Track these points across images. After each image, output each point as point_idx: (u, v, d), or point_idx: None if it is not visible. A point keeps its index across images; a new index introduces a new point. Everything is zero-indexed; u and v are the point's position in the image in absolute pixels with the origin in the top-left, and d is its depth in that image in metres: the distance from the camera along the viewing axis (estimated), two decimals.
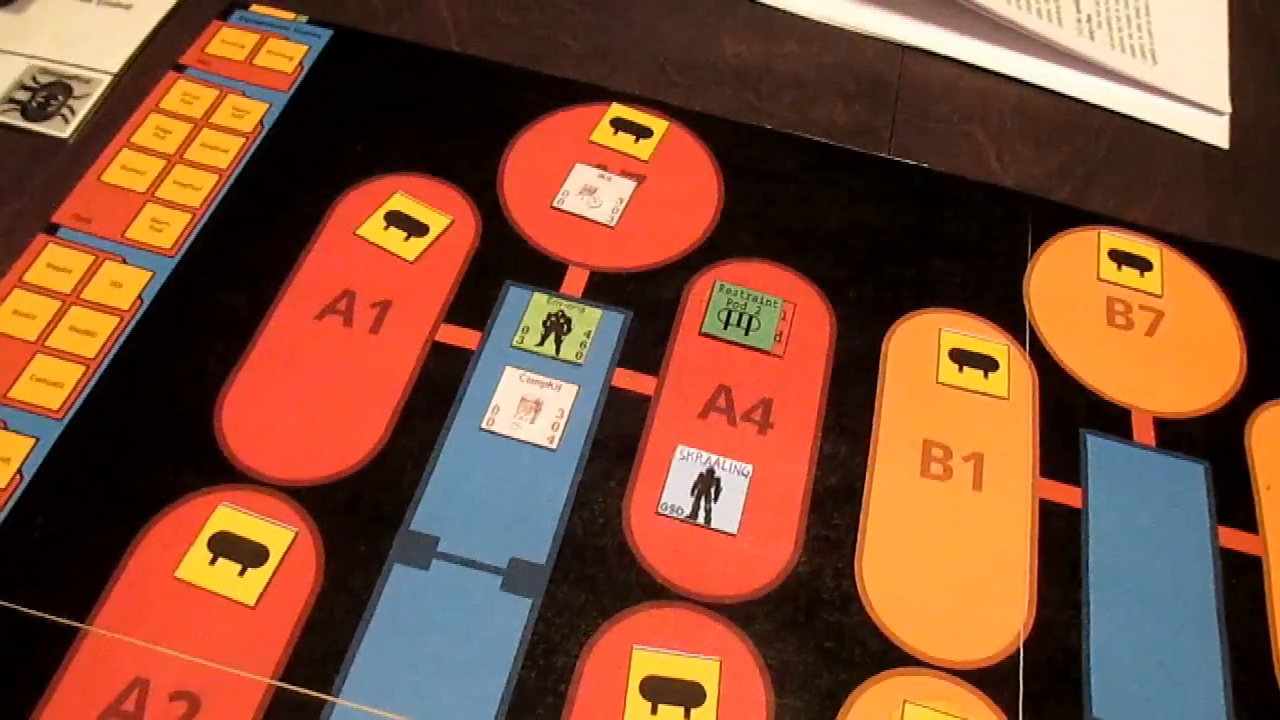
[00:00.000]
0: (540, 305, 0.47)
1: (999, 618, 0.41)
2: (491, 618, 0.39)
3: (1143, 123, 0.59)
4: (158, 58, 0.54)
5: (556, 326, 0.46)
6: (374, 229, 0.48)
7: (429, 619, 0.39)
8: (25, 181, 0.49)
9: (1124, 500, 0.44)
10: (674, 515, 0.42)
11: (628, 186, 0.51)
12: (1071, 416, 0.46)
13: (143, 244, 0.47)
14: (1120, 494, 0.44)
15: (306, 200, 0.49)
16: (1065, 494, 0.44)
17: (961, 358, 0.48)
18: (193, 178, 0.49)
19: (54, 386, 0.43)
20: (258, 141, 0.51)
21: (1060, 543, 0.43)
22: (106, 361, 0.43)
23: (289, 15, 0.57)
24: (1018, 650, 0.40)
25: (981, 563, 0.42)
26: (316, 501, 0.41)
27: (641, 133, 0.54)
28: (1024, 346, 0.48)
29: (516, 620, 0.39)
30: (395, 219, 0.49)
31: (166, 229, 0.47)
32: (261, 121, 0.52)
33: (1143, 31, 0.62)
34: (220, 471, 0.41)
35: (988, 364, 0.48)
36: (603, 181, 0.52)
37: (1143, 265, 0.52)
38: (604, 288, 0.48)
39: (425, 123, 0.53)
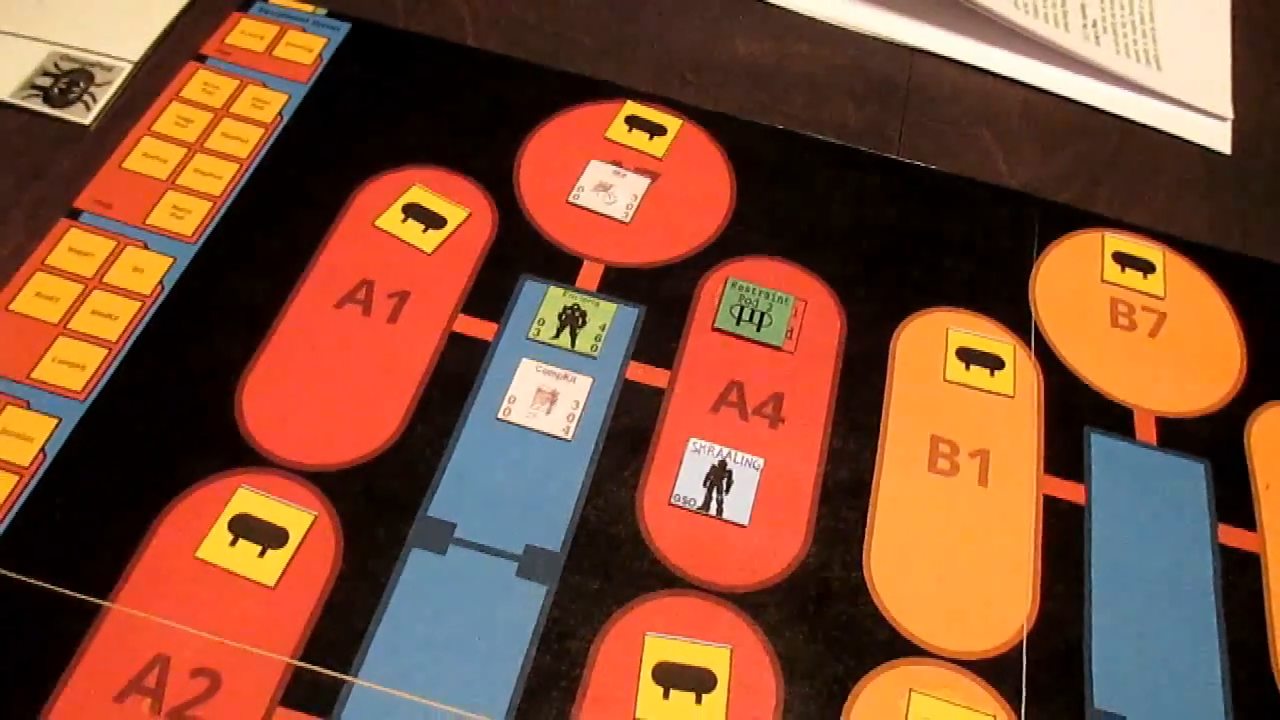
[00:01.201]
0: (556, 298, 0.47)
1: (1003, 610, 0.42)
2: (507, 603, 0.40)
3: (1147, 127, 0.60)
4: (178, 47, 0.55)
5: (571, 320, 0.47)
6: (392, 220, 0.49)
7: (446, 603, 0.39)
8: (48, 166, 0.49)
9: (1126, 497, 0.45)
10: (686, 506, 0.43)
11: (642, 183, 0.52)
12: (1075, 415, 0.47)
13: (164, 230, 0.47)
14: (1123, 491, 0.45)
15: (325, 191, 0.50)
16: (1069, 490, 0.45)
17: (968, 356, 0.48)
18: (213, 166, 0.50)
19: (76, 368, 0.43)
20: (277, 132, 0.52)
21: (1063, 538, 0.44)
22: (128, 345, 0.44)
23: (308, 7, 0.57)
24: (1021, 642, 0.41)
25: (986, 556, 0.43)
26: (336, 486, 0.41)
27: (655, 130, 0.54)
28: (1029, 346, 0.49)
29: (532, 606, 0.40)
30: (413, 211, 0.50)
31: (187, 216, 0.48)
32: (281, 112, 0.52)
33: (1147, 38, 0.63)
34: (240, 455, 0.42)
35: (994, 362, 0.48)
36: (617, 178, 0.52)
37: (1146, 267, 0.53)
38: (618, 282, 0.49)
39: (442, 116, 0.53)
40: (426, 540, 0.41)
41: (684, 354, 0.47)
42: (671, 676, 0.39)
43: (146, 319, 0.45)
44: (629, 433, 0.44)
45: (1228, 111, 0.61)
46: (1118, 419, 0.47)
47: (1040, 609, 0.42)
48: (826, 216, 0.52)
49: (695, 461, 0.44)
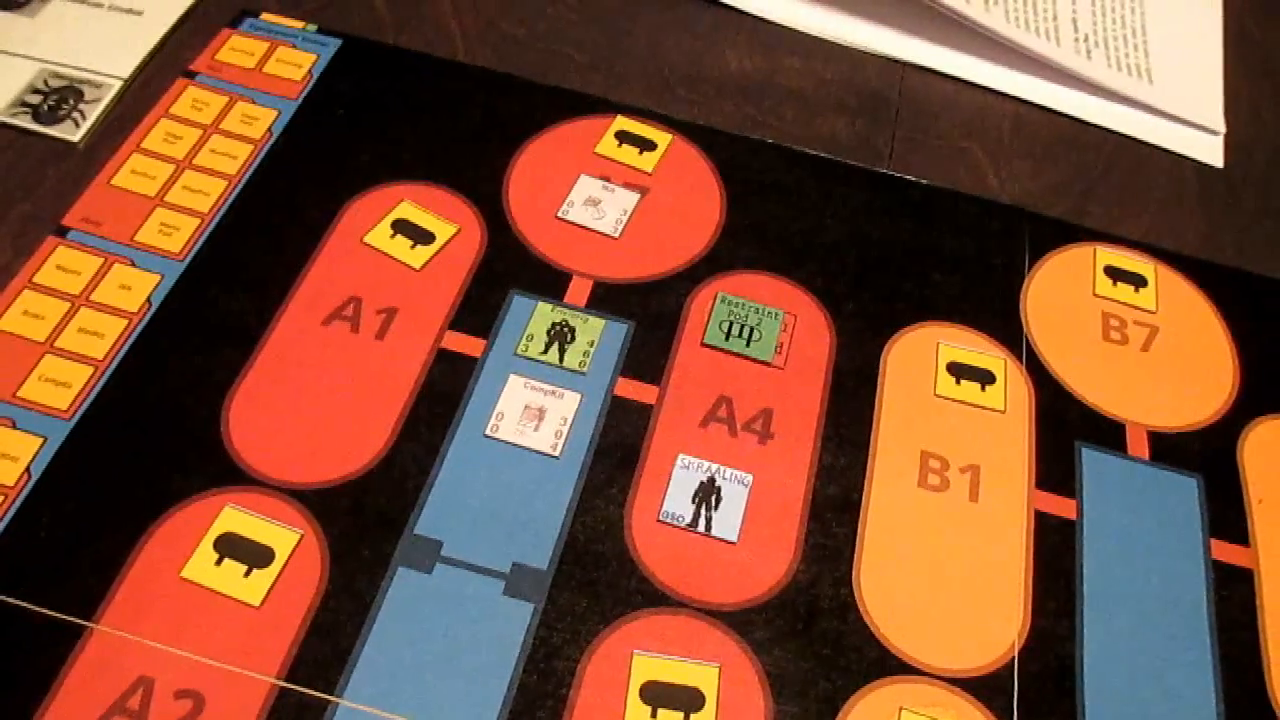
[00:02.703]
0: (544, 314, 0.47)
1: (994, 627, 0.42)
2: (493, 622, 0.39)
3: (1139, 141, 0.60)
4: (168, 64, 0.55)
5: (560, 335, 0.47)
6: (381, 236, 0.49)
7: (432, 622, 0.39)
8: (36, 184, 0.49)
9: (1118, 512, 0.45)
10: (675, 523, 0.42)
11: (631, 198, 0.52)
12: (1067, 429, 0.47)
13: (151, 247, 0.47)
14: (1114, 506, 0.45)
15: (314, 207, 0.50)
16: (1060, 506, 0.45)
17: (959, 370, 0.48)
18: (202, 183, 0.50)
19: (62, 387, 0.43)
20: (266, 148, 0.52)
21: (1055, 554, 0.44)
22: (114, 363, 0.44)
23: (298, 24, 0.57)
24: (1012, 659, 0.41)
25: (977, 573, 0.43)
26: (322, 504, 0.41)
27: (645, 145, 0.54)
28: (1020, 360, 0.49)
29: (518, 624, 0.40)
30: (402, 227, 0.49)
31: (175, 233, 0.48)
32: (270, 129, 0.52)
33: (1139, 51, 0.63)
34: (226, 473, 0.42)
35: (985, 377, 0.48)
36: (606, 193, 0.52)
37: (1138, 281, 0.53)
38: (607, 298, 0.48)
39: (432, 132, 0.53)
40: (413, 559, 0.40)
41: (673, 370, 0.47)
42: (659, 695, 0.39)
43: (133, 337, 0.45)
44: (617, 449, 0.44)
45: (1220, 125, 0.61)
46: (1109, 433, 0.47)
47: (1031, 626, 0.42)
48: (817, 231, 0.52)
49: (684, 478, 0.43)
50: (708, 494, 0.43)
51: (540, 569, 0.41)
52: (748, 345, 0.48)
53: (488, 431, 0.44)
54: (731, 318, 0.48)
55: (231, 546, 0.40)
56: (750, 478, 0.44)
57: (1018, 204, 0.55)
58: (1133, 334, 0.51)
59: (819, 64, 0.61)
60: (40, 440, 0.42)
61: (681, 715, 0.38)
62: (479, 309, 0.47)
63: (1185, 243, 0.55)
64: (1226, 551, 0.44)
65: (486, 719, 0.37)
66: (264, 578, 0.39)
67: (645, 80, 0.58)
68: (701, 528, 0.42)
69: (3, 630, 0.37)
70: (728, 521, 0.43)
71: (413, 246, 0.49)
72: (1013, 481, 0.45)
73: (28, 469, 0.41)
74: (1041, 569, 0.43)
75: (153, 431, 0.42)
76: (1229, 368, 0.50)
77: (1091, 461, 0.46)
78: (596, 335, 0.47)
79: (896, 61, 0.61)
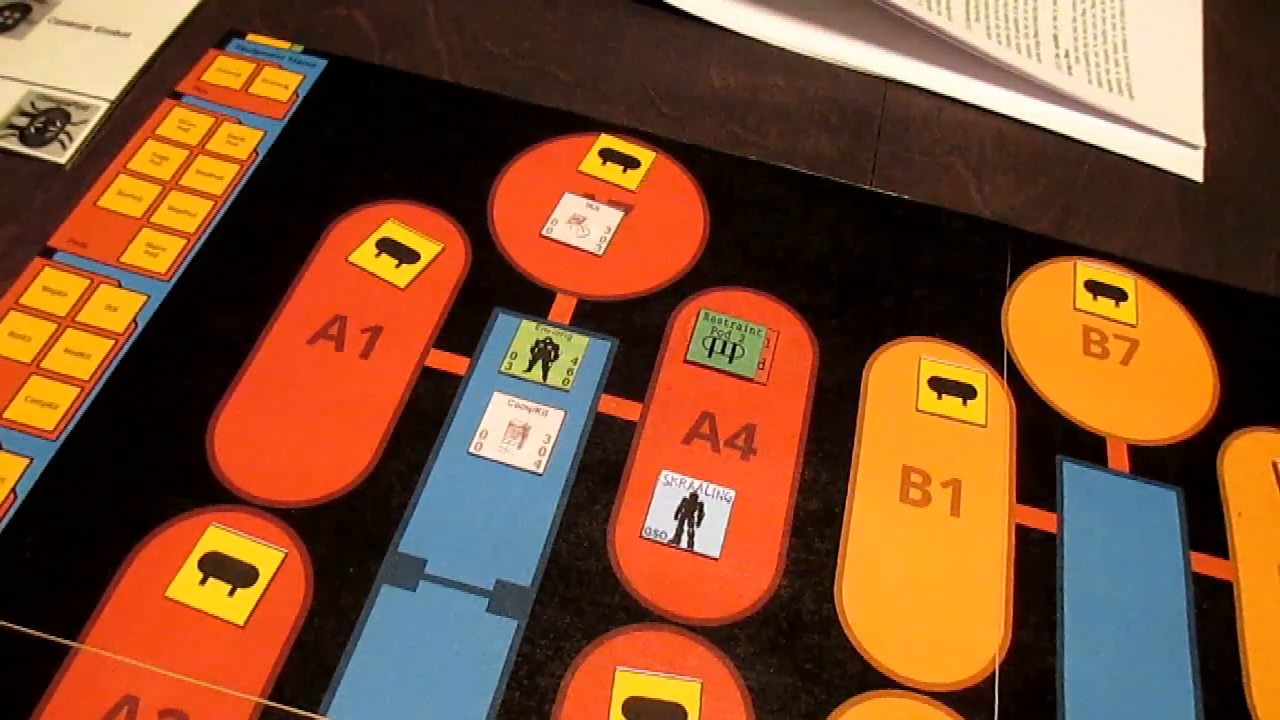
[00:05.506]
0: (528, 332, 0.48)
1: (975, 641, 0.42)
2: (477, 639, 0.40)
3: (1120, 156, 0.60)
4: (155, 85, 0.55)
5: (544, 353, 0.47)
6: (366, 256, 0.49)
7: (416, 639, 0.39)
8: (23, 206, 0.50)
9: (1099, 526, 0.45)
10: (658, 539, 0.43)
11: (615, 216, 0.53)
12: (1048, 443, 0.47)
13: (138, 268, 0.48)
14: (1095, 520, 0.45)
15: (300, 226, 0.50)
16: (1041, 519, 0.45)
17: (941, 385, 0.49)
18: (188, 203, 0.50)
19: (48, 407, 0.43)
20: (252, 168, 0.52)
21: (1036, 567, 0.44)
22: (101, 383, 0.44)
23: (284, 44, 0.58)
24: (994, 673, 0.41)
25: (959, 587, 0.43)
26: (306, 523, 0.42)
27: (629, 163, 0.55)
28: (1002, 375, 0.49)
29: (502, 641, 0.40)
30: (387, 246, 0.50)
31: (162, 254, 0.48)
32: (256, 149, 0.53)
33: (1120, 67, 0.64)
34: (211, 492, 0.42)
35: (966, 392, 0.49)
36: (591, 211, 0.53)
37: (1118, 295, 0.53)
38: (591, 315, 0.49)
39: (417, 151, 0.54)
40: (397, 577, 0.41)
41: (656, 386, 0.47)
42: (642, 711, 0.39)
43: (119, 357, 0.45)
44: (601, 466, 0.44)
45: (1200, 139, 0.62)
46: (1090, 447, 0.48)
47: (1012, 639, 0.42)
48: (800, 247, 0.53)
49: (667, 494, 0.44)
50: (690, 510, 0.43)
51: (524, 586, 0.41)
52: (730, 361, 0.48)
53: (472, 449, 0.44)
54: (714, 334, 0.49)
55: (216, 566, 0.40)
56: (733, 493, 0.44)
57: (999, 219, 0.56)
58: (1113, 348, 0.51)
59: (802, 81, 0.61)
60: (26, 461, 0.42)
61: None
62: (463, 327, 0.48)
63: (1166, 257, 0.56)
64: (1206, 564, 0.45)
65: None
66: (248, 596, 0.40)
67: (629, 98, 0.59)
68: (684, 544, 0.43)
69: None
70: (710, 537, 0.43)
71: (397, 265, 0.49)
72: (994, 496, 0.46)
73: (13, 490, 0.41)
74: (1022, 582, 0.43)
75: (138, 452, 0.43)
76: (1209, 381, 0.51)
77: (1072, 475, 0.47)
78: (580, 352, 0.47)
79: (879, 78, 0.62)
